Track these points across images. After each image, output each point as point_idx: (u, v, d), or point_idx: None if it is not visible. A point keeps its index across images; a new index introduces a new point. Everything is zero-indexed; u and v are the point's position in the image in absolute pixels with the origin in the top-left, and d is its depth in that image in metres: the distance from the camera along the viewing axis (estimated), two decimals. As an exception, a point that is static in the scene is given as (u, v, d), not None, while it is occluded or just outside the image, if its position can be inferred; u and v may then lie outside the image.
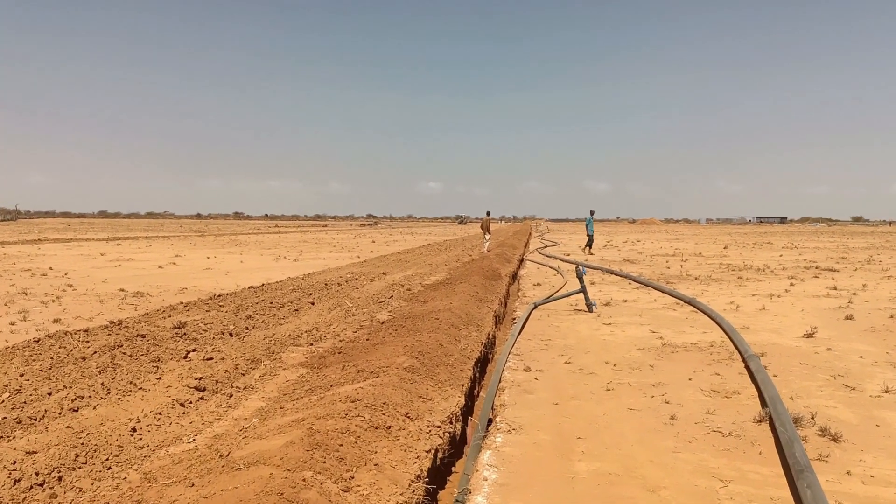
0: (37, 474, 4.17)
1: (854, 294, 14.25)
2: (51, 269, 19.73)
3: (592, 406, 6.10)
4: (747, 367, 7.36)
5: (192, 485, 3.86)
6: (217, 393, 6.35)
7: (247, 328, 9.68)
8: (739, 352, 8.03)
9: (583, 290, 11.84)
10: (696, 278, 17.95)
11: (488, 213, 31.90)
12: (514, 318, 11.35)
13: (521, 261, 27.45)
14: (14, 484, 4.03)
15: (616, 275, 19.06)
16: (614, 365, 7.69)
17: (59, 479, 4.16)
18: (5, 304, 11.88)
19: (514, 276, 20.95)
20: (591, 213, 31.58)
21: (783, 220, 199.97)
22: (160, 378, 6.64)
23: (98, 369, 6.80)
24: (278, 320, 10.55)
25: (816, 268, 21.39)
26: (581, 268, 11.96)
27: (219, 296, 13.43)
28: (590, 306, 11.75)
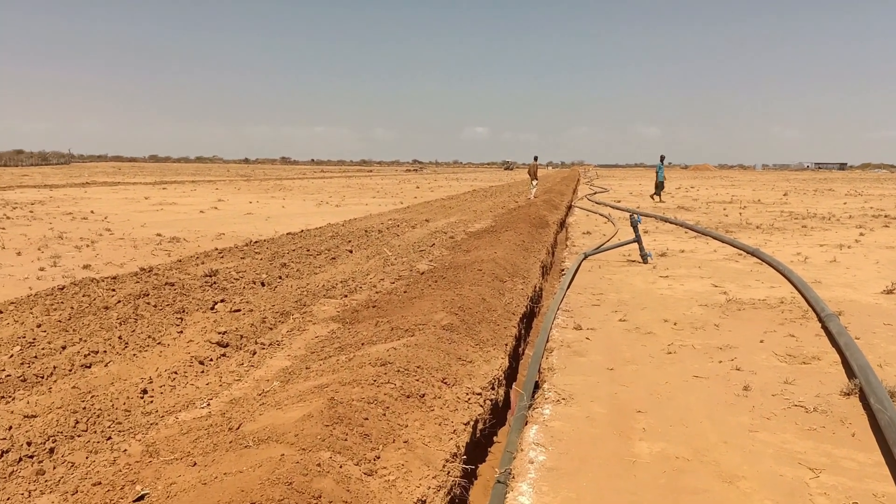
0: (29, 444, 3.74)
1: (935, 245, 13.10)
2: (92, 212, 19.71)
3: (652, 372, 5.43)
4: (825, 328, 6.57)
5: (195, 464, 3.37)
6: (240, 349, 5.88)
7: (280, 277, 9.22)
8: (815, 310, 7.20)
9: (637, 240, 11.03)
10: (757, 227, 16.86)
11: (535, 159, 30.85)
12: (563, 270, 10.65)
13: (570, 208, 26.52)
14: (1, 456, 3.60)
15: (671, 223, 18.06)
16: (675, 324, 6.97)
17: (52, 450, 3.72)
18: (39, 249, 11.68)
19: (563, 224, 20.13)
20: (662, 158, 29.71)
21: (843, 167, 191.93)
22: (182, 332, 6.20)
23: (119, 321, 6.41)
24: (314, 269, 10.07)
25: (886, 216, 19.97)
26: (636, 216, 11.12)
27: (255, 242, 13.04)
28: (644, 257, 10.96)
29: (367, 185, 48.71)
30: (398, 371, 4.57)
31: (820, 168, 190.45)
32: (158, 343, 5.84)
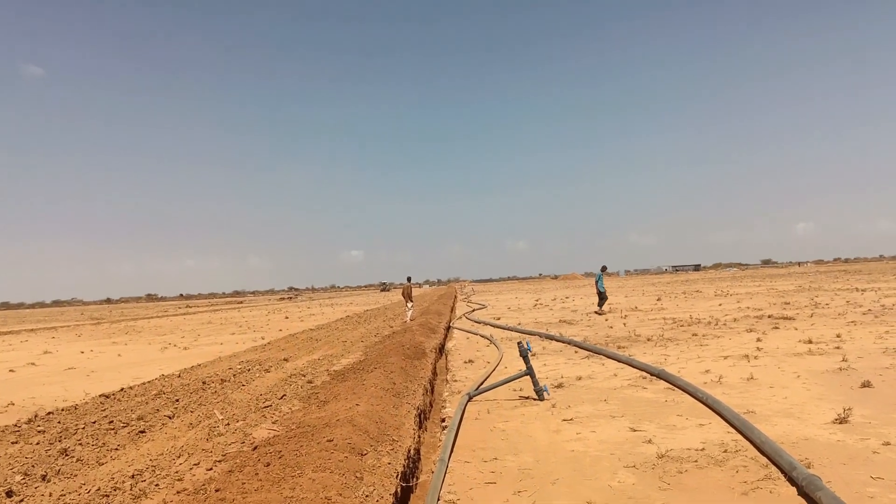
0: None
1: (837, 348, 12.16)
2: None
3: None
4: (805, 496, 4.75)
5: None
6: None
7: (44, 476, 6.43)
8: (780, 468, 5.40)
9: (529, 372, 9.14)
10: (648, 339, 15.59)
11: (409, 279, 29.23)
12: (444, 420, 8.50)
13: (448, 329, 24.70)
14: None
15: (559, 341, 16.50)
16: (602, 508, 4.93)
17: None
18: None
19: (442, 350, 18.16)
20: (603, 268, 27.81)
21: (697, 268, 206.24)
22: None
23: None
24: (106, 453, 7.32)
25: (769, 317, 19.54)
26: (524, 343, 9.28)
27: (49, 413, 10.01)
28: (540, 392, 9.05)
29: (232, 318, 45.08)
30: None
31: (677, 270, 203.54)
32: None
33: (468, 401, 9.10)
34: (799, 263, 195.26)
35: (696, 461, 5.81)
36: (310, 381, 11.87)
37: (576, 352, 14.35)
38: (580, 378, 10.68)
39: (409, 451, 7.15)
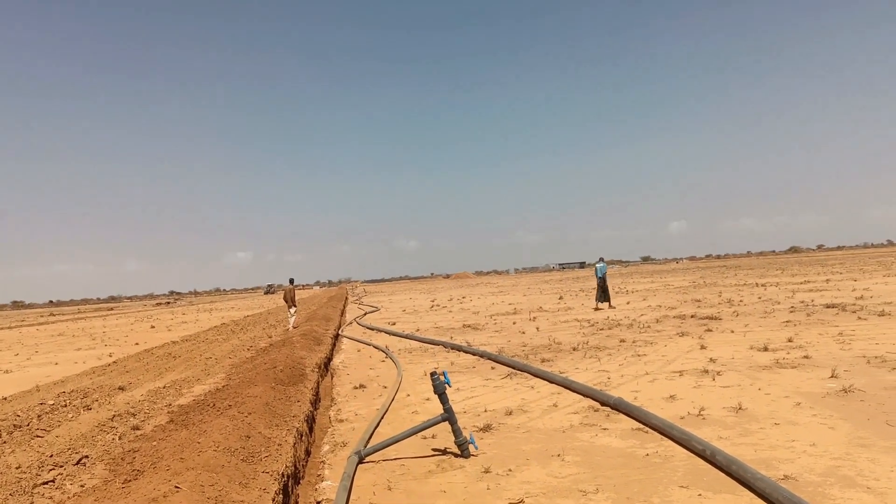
0: None
1: (805, 357, 10.14)
2: None
3: None
4: None
5: None
6: None
7: None
8: None
9: (449, 418, 6.27)
10: (573, 349, 13.14)
11: (291, 282, 25.57)
12: (320, 501, 5.49)
13: (336, 338, 21.52)
14: None
15: (471, 353, 13.75)
16: None
17: None
18: None
19: (328, 367, 15.04)
20: (602, 259, 24.36)
21: (582, 265, 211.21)
22: None
23: None
24: None
25: (692, 317, 17.73)
26: (438, 376, 6.40)
27: None
28: (463, 446, 6.21)
29: (91, 329, 39.59)
30: None
31: (564, 268, 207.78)
32: None
33: (358, 462, 6.13)
34: (676, 260, 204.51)
35: None
36: (136, 428, 8.52)
37: (492, 367, 11.67)
38: (510, 412, 7.94)
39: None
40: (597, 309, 23.57)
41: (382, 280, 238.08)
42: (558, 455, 6.01)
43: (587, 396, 8.37)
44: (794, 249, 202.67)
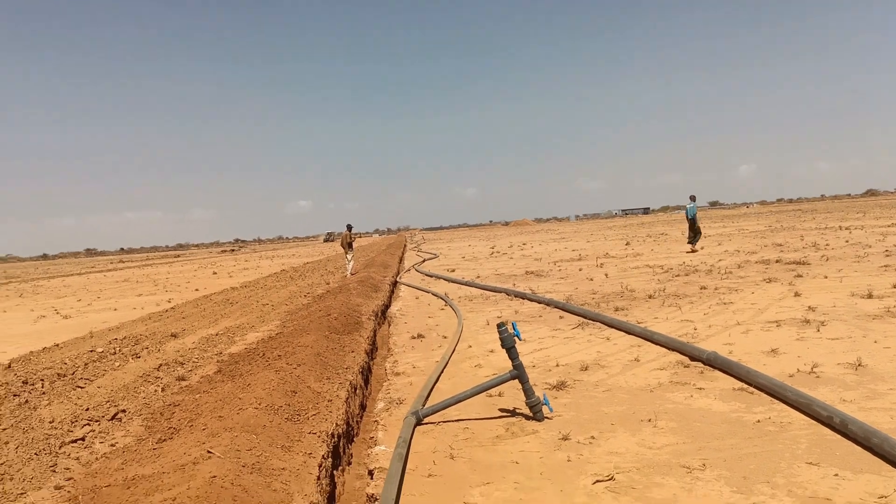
0: None
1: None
2: None
3: None
4: None
5: None
6: None
7: None
8: None
9: (519, 375, 5.43)
10: (648, 297, 12.08)
11: (349, 228, 24.96)
12: (372, 471, 4.77)
13: (395, 285, 20.94)
14: None
15: (538, 301, 12.85)
16: None
17: None
18: None
19: (384, 315, 14.44)
20: (693, 198, 23.51)
21: (647, 211, 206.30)
22: None
23: None
24: None
25: (777, 262, 16.33)
26: (507, 329, 5.52)
27: None
28: (536, 408, 5.38)
29: (155, 275, 40.33)
30: None
31: (627, 214, 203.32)
32: None
33: (416, 424, 5.39)
34: (746, 204, 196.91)
35: None
36: (182, 378, 8.02)
37: (560, 316, 10.78)
38: (585, 367, 7.06)
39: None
40: (692, 251, 22.42)
41: (441, 228, 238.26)
42: (649, 420, 5.12)
43: (673, 350, 7.40)
44: (871, 192, 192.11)
